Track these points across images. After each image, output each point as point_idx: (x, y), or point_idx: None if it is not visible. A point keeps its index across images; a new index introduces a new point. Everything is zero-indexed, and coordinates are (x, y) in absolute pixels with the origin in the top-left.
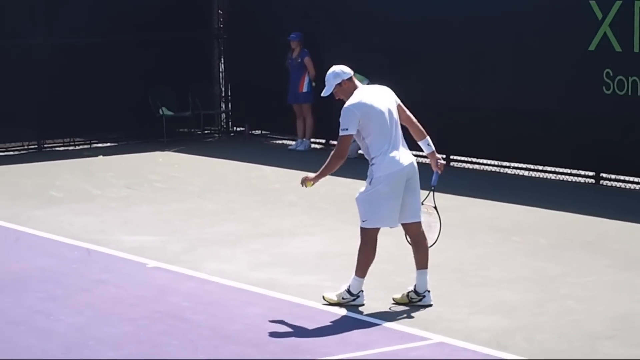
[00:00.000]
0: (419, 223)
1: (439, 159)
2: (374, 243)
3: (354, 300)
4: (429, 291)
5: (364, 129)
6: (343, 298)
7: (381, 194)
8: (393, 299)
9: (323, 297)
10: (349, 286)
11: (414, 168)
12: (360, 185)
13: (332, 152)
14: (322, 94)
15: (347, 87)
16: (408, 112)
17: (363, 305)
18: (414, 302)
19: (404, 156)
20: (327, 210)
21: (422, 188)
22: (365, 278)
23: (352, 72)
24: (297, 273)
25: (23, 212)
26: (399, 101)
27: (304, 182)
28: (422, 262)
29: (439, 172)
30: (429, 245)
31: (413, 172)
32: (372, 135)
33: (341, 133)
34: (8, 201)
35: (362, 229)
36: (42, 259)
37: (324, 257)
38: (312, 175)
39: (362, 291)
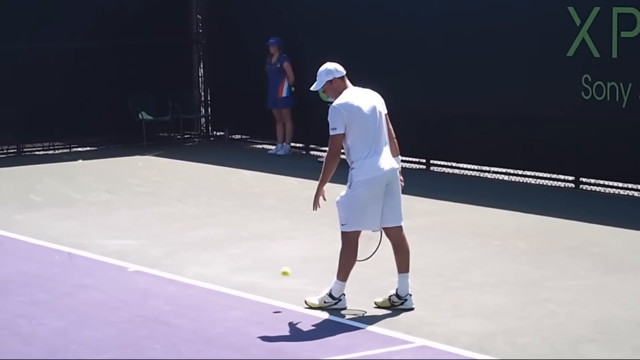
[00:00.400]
0: (400, 227)
1: (401, 180)
2: (355, 247)
3: (335, 304)
4: (410, 295)
5: (347, 129)
6: (325, 302)
7: (360, 198)
8: (375, 303)
9: (305, 302)
10: (331, 290)
11: (395, 173)
12: (341, 190)
13: (326, 154)
14: (311, 88)
15: (337, 86)
16: (389, 126)
17: (345, 308)
18: (396, 305)
19: (385, 161)
20: (308, 215)
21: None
22: (347, 282)
23: (344, 72)
24: (278, 277)
25: (3, 216)
26: (385, 111)
27: (317, 203)
28: (403, 265)
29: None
30: (363, 258)
31: (393, 177)
32: (353, 137)
33: (331, 133)
34: None
35: (342, 232)
36: (24, 263)
37: (306, 261)
38: (316, 188)
39: (344, 295)
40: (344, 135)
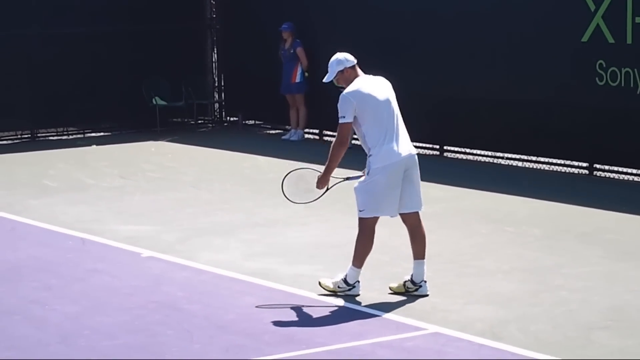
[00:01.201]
0: (417, 213)
1: None
2: (372, 233)
3: (349, 290)
4: (425, 281)
5: (359, 117)
6: (339, 287)
7: (379, 184)
8: (390, 288)
9: (319, 283)
10: (346, 275)
11: (413, 159)
12: (351, 175)
13: (334, 141)
14: (323, 80)
15: (348, 75)
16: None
17: (359, 295)
18: (411, 291)
19: (403, 147)
20: (322, 201)
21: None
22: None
23: (355, 61)
24: (291, 263)
25: (17, 201)
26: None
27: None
28: (419, 252)
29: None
30: (306, 201)
31: (412, 163)
32: (367, 124)
33: (340, 121)
34: (2, 190)
35: (360, 218)
36: (37, 248)
37: (319, 247)
38: (321, 175)
39: (359, 282)
40: (354, 123)
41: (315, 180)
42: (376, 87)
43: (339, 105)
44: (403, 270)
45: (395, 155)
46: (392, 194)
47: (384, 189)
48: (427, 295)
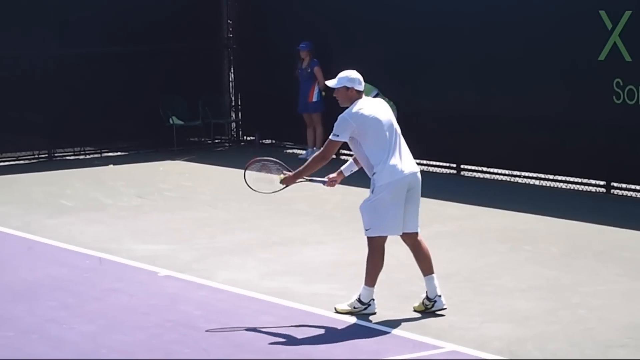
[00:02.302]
0: (416, 234)
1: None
2: (382, 252)
3: (365, 309)
4: (440, 295)
5: (360, 138)
6: (354, 307)
7: (383, 202)
8: (413, 308)
9: (335, 309)
10: (360, 295)
11: (417, 178)
12: (368, 194)
13: (316, 154)
14: (327, 82)
15: (351, 95)
16: None
17: (375, 313)
18: (429, 308)
19: (406, 165)
20: (339, 220)
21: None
22: (376, 287)
23: (363, 88)
24: (309, 282)
25: (35, 221)
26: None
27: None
28: (426, 268)
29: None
30: (268, 191)
31: (415, 182)
32: (368, 145)
33: (331, 137)
34: (20, 210)
35: (368, 238)
36: (54, 267)
37: (336, 266)
38: (290, 175)
39: (373, 300)
40: (354, 144)
41: (279, 175)
42: (377, 108)
43: (336, 123)
44: (419, 288)
45: (398, 172)
46: (397, 212)
47: (388, 206)
48: (444, 309)
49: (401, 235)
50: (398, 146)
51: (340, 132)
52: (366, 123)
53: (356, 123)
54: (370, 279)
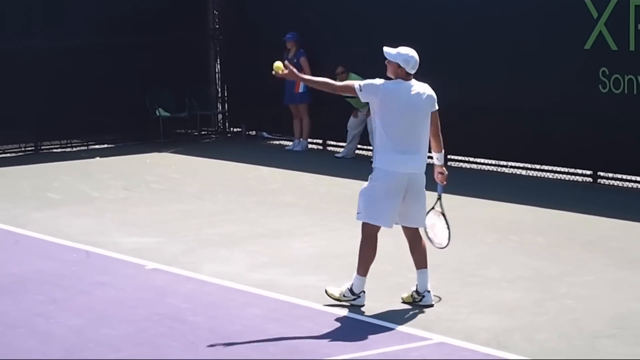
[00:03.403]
0: (418, 229)
1: (440, 172)
2: (373, 240)
3: (354, 300)
4: (429, 291)
5: (378, 111)
6: (344, 296)
7: (377, 190)
8: (401, 298)
9: (325, 291)
10: (352, 285)
11: (417, 178)
12: (357, 185)
13: (331, 81)
14: (386, 49)
15: (399, 73)
16: (437, 123)
17: (363, 305)
18: (417, 302)
19: (409, 163)
20: (326, 211)
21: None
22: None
23: (414, 70)
24: (296, 274)
25: (21, 214)
26: (434, 108)
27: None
28: (420, 262)
29: (440, 183)
30: (441, 246)
31: (414, 180)
32: (381, 122)
33: (355, 85)
34: (6, 203)
35: (362, 224)
36: (41, 261)
37: (324, 258)
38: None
39: (364, 292)
40: (370, 112)
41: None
42: (412, 94)
43: (369, 80)
44: (407, 280)
45: (399, 165)
46: (390, 204)
47: (382, 197)
48: (432, 305)
49: (404, 228)
50: (413, 143)
51: (365, 89)
52: (390, 100)
53: (382, 93)
54: (362, 267)
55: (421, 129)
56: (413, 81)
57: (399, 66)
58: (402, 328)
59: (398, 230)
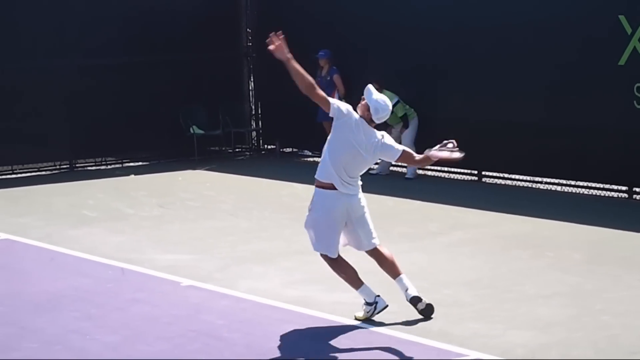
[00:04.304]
0: (376, 247)
1: (452, 146)
2: (337, 262)
3: (376, 307)
4: (378, 295)
5: (333, 135)
6: (367, 311)
7: (318, 222)
8: (355, 317)
9: (355, 317)
10: (364, 299)
11: (352, 199)
12: (392, 202)
13: (316, 87)
14: (368, 86)
15: (365, 113)
16: (407, 157)
17: (387, 306)
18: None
19: (344, 191)
20: None
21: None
22: (395, 294)
23: (378, 122)
24: (331, 290)
25: (57, 231)
26: (393, 156)
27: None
28: (393, 272)
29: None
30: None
31: (352, 203)
32: (328, 149)
33: (331, 100)
34: (42, 221)
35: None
36: (77, 278)
37: (359, 274)
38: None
39: (379, 296)
40: (331, 109)
41: None
42: (364, 141)
43: (345, 104)
44: (442, 296)
45: (334, 198)
46: (331, 233)
47: (323, 227)
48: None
49: (366, 252)
50: (346, 172)
51: (336, 108)
52: (348, 130)
53: (346, 119)
54: (353, 283)
55: (359, 164)
56: (375, 130)
57: (368, 109)
58: (438, 344)
59: (430, 245)
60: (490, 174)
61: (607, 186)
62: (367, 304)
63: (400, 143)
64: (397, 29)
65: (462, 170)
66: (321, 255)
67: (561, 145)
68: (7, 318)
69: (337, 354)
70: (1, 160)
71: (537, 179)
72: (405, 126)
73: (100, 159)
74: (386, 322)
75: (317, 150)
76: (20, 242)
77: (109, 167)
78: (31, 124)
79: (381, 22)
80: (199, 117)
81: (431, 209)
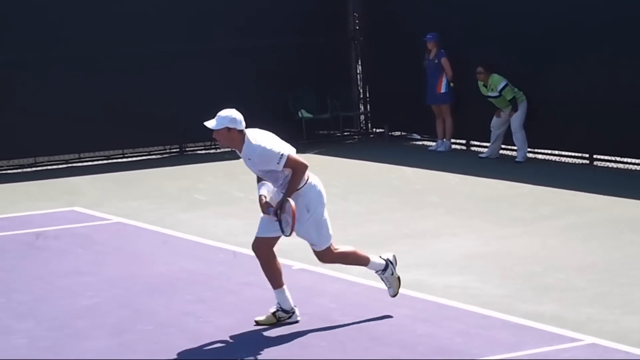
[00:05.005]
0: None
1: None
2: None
3: (289, 317)
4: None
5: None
6: (279, 317)
7: (321, 215)
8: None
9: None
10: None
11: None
12: (502, 186)
13: (297, 173)
14: (206, 124)
15: (234, 136)
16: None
17: (297, 322)
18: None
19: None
20: (470, 211)
21: None
22: (513, 279)
23: (244, 126)
24: (443, 274)
25: (169, 215)
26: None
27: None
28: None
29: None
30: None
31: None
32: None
33: (282, 160)
34: (153, 204)
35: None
36: (189, 261)
37: (470, 258)
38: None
39: (296, 307)
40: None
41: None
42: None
43: (266, 153)
44: (555, 280)
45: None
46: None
47: (325, 216)
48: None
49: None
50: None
51: (280, 148)
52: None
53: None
54: (274, 282)
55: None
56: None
57: (229, 130)
58: (552, 329)
59: (543, 229)
60: (602, 157)
61: None
62: (284, 310)
63: (509, 127)
64: (508, 13)
65: (573, 154)
66: (254, 251)
67: None
68: (122, 300)
69: (450, 337)
70: (112, 144)
71: None
72: (514, 109)
73: (209, 143)
74: (497, 304)
75: (427, 134)
76: (133, 225)
77: (218, 151)
78: (141, 109)
79: (489, 5)
80: (308, 101)
81: (543, 193)
